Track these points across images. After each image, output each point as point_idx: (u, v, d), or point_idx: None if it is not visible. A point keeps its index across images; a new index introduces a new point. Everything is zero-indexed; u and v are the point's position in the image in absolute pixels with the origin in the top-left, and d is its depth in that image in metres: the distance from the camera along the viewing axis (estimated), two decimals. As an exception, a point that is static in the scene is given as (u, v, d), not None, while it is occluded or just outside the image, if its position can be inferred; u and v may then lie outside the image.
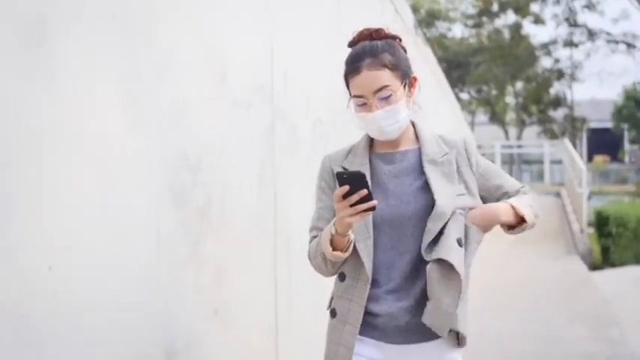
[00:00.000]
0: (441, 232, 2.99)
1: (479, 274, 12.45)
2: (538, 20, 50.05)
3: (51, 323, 2.47)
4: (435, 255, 2.96)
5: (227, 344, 3.82)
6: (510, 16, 51.14)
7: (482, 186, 3.20)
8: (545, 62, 52.20)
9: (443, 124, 17.36)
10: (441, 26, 53.81)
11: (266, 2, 4.43)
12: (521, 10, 49.42)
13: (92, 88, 2.69)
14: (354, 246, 3.05)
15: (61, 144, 2.50)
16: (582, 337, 9.68)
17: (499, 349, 9.16)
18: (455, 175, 3.13)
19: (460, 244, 3.00)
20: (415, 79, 3.16)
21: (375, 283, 3.07)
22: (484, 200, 3.19)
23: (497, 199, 3.23)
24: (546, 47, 51.01)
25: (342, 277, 3.14)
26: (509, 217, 3.11)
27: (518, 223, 3.13)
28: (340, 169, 3.12)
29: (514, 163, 48.96)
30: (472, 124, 50.49)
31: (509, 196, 3.23)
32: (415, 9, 48.28)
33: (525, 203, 3.17)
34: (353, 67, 3.06)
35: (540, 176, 43.06)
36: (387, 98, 3.02)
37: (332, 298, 3.20)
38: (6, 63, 2.25)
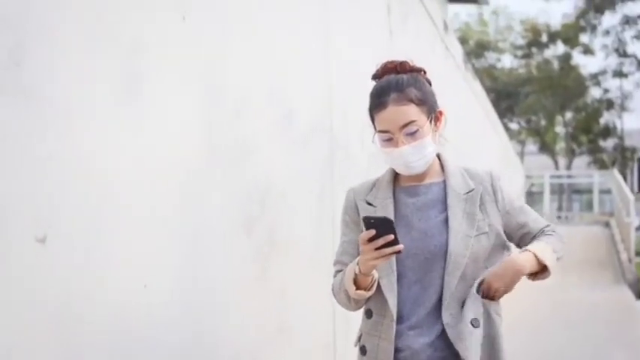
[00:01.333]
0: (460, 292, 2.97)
1: (530, 299, 12.82)
2: (587, 51, 49.99)
3: (145, 333, 2.87)
4: (450, 337, 2.94)
5: (293, 355, 4.19)
6: (560, 47, 51.18)
7: (507, 223, 3.12)
8: (595, 92, 52.04)
9: (490, 154, 17.62)
10: (490, 57, 53.98)
11: (326, 48, 4.83)
12: (571, 41, 49.41)
13: (180, 125, 3.10)
14: (378, 282, 3.00)
15: (151, 169, 2.91)
16: None
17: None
18: (476, 214, 3.05)
19: (475, 325, 2.97)
20: (441, 113, 3.10)
21: (400, 318, 3.01)
22: (508, 237, 3.13)
23: (520, 238, 3.17)
24: (596, 77, 50.85)
25: (369, 314, 3.11)
26: (532, 267, 3.03)
27: (541, 271, 3.06)
28: (364, 203, 3.14)
29: (564, 192, 48.82)
30: (522, 154, 50.47)
31: (532, 236, 3.16)
32: (464, 40, 48.56)
33: (547, 248, 3.08)
34: (378, 102, 3.00)
35: (590, 206, 42.97)
36: (413, 133, 2.96)
37: (360, 335, 3.16)
38: (105, 108, 2.66)
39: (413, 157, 2.98)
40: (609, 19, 74.62)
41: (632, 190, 48.58)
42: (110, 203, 2.64)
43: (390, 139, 2.97)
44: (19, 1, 2.22)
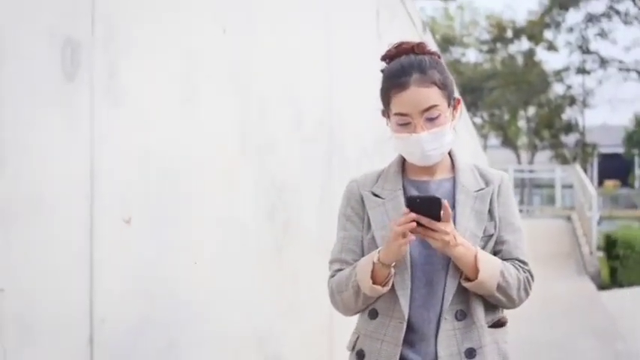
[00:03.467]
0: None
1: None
2: (551, 47, 50.46)
3: (198, 299, 3.33)
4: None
5: (298, 332, 4.65)
6: (524, 43, 51.66)
7: None
8: (558, 88, 52.69)
9: (464, 149, 18.14)
10: (456, 51, 54.41)
11: (327, 52, 5.30)
12: (535, 37, 49.82)
13: (221, 125, 3.56)
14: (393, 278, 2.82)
15: (201, 162, 3.37)
16: (590, 349, 10.55)
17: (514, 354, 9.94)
18: (485, 214, 2.86)
19: (469, 357, 2.81)
20: (459, 101, 2.93)
21: (408, 323, 2.82)
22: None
23: (491, 251, 2.86)
24: (559, 74, 51.31)
25: (373, 315, 2.89)
26: (465, 260, 2.75)
27: (473, 277, 2.77)
28: (371, 195, 2.94)
29: (525, 186, 49.42)
30: (484, 148, 51.03)
31: (502, 258, 2.85)
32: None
33: (497, 266, 2.79)
34: (398, 82, 2.79)
35: (551, 200, 43.52)
36: (434, 119, 2.78)
37: (357, 338, 2.97)
38: (170, 109, 3.12)
39: (431, 144, 2.79)
40: (573, 17, 75.19)
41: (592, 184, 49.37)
42: (175, 190, 3.10)
43: (406, 124, 2.80)
44: (109, 23, 2.68)
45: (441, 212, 2.65)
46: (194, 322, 3.32)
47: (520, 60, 51.80)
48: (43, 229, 2.33)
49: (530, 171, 48.50)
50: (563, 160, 48.87)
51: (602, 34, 48.50)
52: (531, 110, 53.44)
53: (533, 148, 52.80)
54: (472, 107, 51.33)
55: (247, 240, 3.85)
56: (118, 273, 2.72)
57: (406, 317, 2.80)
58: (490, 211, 2.89)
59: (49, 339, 2.37)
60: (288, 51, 4.49)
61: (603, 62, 49.57)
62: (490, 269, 2.77)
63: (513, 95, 50.08)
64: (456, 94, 2.95)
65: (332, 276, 3.00)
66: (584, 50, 49.62)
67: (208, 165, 3.41)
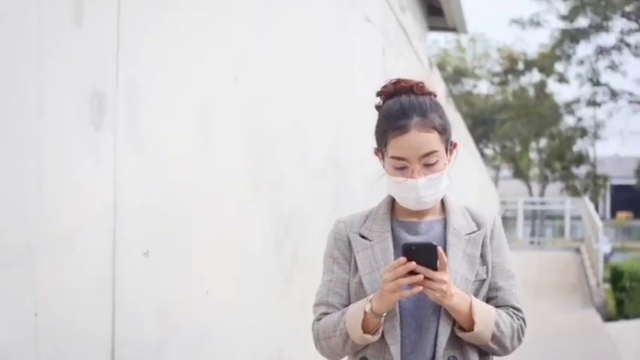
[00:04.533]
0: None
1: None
2: (562, 79, 50.51)
3: (211, 324, 3.60)
4: None
5: (306, 356, 4.91)
6: (535, 75, 51.81)
7: None
8: (569, 120, 52.63)
9: (472, 184, 18.39)
10: (467, 83, 54.64)
11: (337, 90, 5.59)
12: (546, 70, 49.94)
13: (235, 161, 3.84)
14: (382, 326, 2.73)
15: (214, 197, 3.64)
16: None
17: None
18: (477, 258, 2.79)
19: None
20: (455, 145, 2.84)
21: None
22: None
23: (484, 297, 2.80)
24: (570, 106, 51.35)
25: None
26: (461, 310, 2.67)
27: (467, 326, 2.71)
28: (358, 237, 2.84)
29: (537, 218, 49.47)
30: (496, 179, 51.15)
31: (496, 305, 2.79)
32: (442, 66, 49.24)
33: (491, 315, 2.73)
34: (398, 125, 2.69)
35: (562, 232, 43.71)
36: (432, 165, 2.70)
37: None
38: (188, 149, 3.41)
39: (427, 191, 2.72)
40: (584, 49, 75.60)
41: (604, 216, 49.45)
42: (190, 226, 3.38)
43: (403, 168, 2.71)
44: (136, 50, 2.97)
45: (437, 261, 2.57)
46: (208, 346, 3.58)
47: (531, 92, 51.85)
48: (72, 260, 2.61)
49: (542, 203, 48.56)
50: (574, 192, 48.82)
51: (613, 67, 48.57)
52: (542, 142, 53.49)
53: (544, 180, 52.79)
54: (483, 139, 51.49)
55: (257, 270, 4.12)
56: (138, 300, 2.99)
57: None
58: (482, 255, 2.81)
59: (76, 357, 2.64)
60: (298, 91, 4.78)
61: (614, 94, 49.59)
62: (485, 320, 2.69)
63: (524, 127, 50.08)
64: (453, 138, 2.84)
65: (317, 319, 2.89)
66: (595, 83, 49.66)
67: (221, 201, 3.69)
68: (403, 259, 2.57)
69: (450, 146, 2.81)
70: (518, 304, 2.83)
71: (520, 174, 54.25)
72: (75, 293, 2.63)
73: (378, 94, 2.87)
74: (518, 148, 54.03)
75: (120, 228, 2.85)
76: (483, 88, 56.15)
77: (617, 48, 47.95)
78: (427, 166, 2.71)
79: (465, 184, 16.84)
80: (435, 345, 2.72)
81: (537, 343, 13.71)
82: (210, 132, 3.58)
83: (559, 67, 50.41)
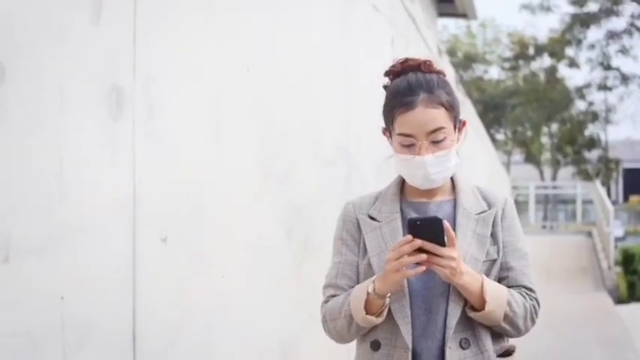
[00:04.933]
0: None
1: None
2: (573, 64, 50.64)
3: (225, 308, 3.74)
4: None
5: (317, 340, 5.05)
6: (546, 60, 51.92)
7: None
8: (580, 105, 52.76)
9: (482, 168, 18.48)
10: (478, 68, 54.74)
11: (345, 81, 5.72)
12: (557, 54, 50.09)
13: (245, 152, 3.98)
14: (389, 308, 2.70)
15: (227, 187, 3.78)
16: (602, 359, 10.90)
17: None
18: (487, 238, 2.74)
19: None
20: (464, 123, 2.82)
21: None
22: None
23: (496, 277, 2.76)
24: (581, 90, 51.51)
25: (375, 346, 2.75)
26: (472, 288, 2.63)
27: (479, 306, 2.66)
28: (367, 218, 2.82)
29: (549, 202, 49.49)
30: (508, 164, 51.16)
31: (508, 285, 2.75)
32: (453, 52, 49.32)
33: (503, 294, 2.69)
34: (404, 101, 2.66)
35: (574, 216, 43.78)
36: (440, 142, 2.67)
37: None
38: (202, 141, 3.54)
39: (435, 168, 2.68)
40: (594, 34, 75.42)
41: (616, 200, 49.40)
42: (205, 213, 3.52)
43: (411, 145, 2.68)
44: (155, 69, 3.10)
45: (445, 236, 2.53)
46: (223, 329, 3.72)
47: (542, 77, 51.93)
48: (95, 248, 2.75)
49: (554, 187, 48.61)
50: (586, 176, 48.82)
51: (624, 51, 48.63)
52: (554, 127, 53.48)
53: (556, 164, 52.82)
54: (495, 124, 51.54)
55: (269, 256, 4.25)
56: (156, 285, 3.13)
57: (410, 346, 2.66)
58: (493, 235, 2.76)
59: (99, 340, 2.78)
60: (308, 81, 4.91)
61: (625, 78, 49.65)
62: (497, 299, 2.64)
63: (535, 112, 50.18)
64: (462, 116, 2.82)
65: (325, 302, 2.89)
66: (606, 67, 49.74)
67: (234, 189, 3.82)
68: (408, 236, 2.54)
69: (458, 124, 2.78)
70: (531, 284, 2.78)
71: (532, 159, 54.30)
72: (98, 279, 2.77)
73: (386, 73, 2.84)
74: (529, 133, 54.11)
75: (139, 216, 2.99)
76: (494, 73, 56.25)
77: (627, 32, 48.01)
78: (435, 143, 2.67)
79: (474, 169, 16.95)
80: (444, 328, 2.67)
81: (549, 326, 13.86)
82: (223, 123, 3.71)
83: (570, 51, 50.55)
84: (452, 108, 2.72)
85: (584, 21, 47.93)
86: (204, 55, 3.54)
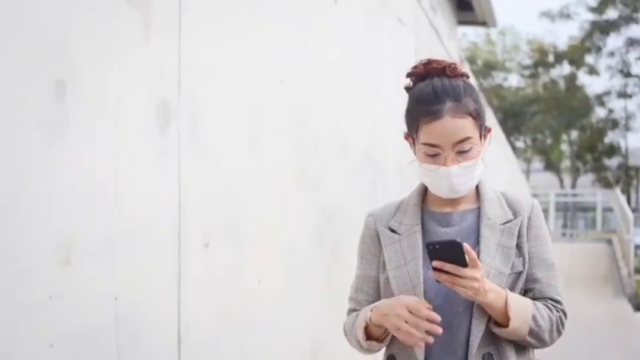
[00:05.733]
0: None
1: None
2: (592, 71, 50.54)
3: (261, 311, 3.93)
4: None
5: (346, 342, 5.24)
6: (565, 67, 51.88)
7: None
8: (600, 112, 52.62)
9: (502, 177, 18.60)
10: (498, 76, 54.75)
11: (373, 92, 5.91)
12: (576, 62, 50.04)
13: (281, 160, 4.17)
14: None
15: (262, 197, 3.97)
16: None
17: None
18: (512, 249, 2.63)
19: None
20: (489, 130, 2.70)
21: None
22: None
23: (521, 290, 2.66)
24: (600, 98, 51.39)
25: None
26: (496, 305, 2.54)
27: (503, 322, 2.57)
28: (387, 230, 2.74)
29: (569, 210, 49.50)
30: (528, 172, 51.13)
31: (534, 297, 2.66)
32: (472, 60, 49.38)
33: (528, 308, 2.59)
34: (430, 110, 2.55)
35: (594, 224, 43.80)
36: (466, 152, 2.57)
37: None
38: (241, 153, 3.74)
39: (461, 179, 2.59)
40: (614, 41, 75.55)
41: (637, 207, 49.29)
42: (243, 219, 3.72)
43: (436, 155, 2.58)
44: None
45: (466, 257, 2.44)
46: (259, 330, 3.91)
47: (562, 84, 51.93)
48: (145, 251, 2.94)
49: (574, 195, 48.61)
50: (606, 184, 48.75)
51: (644, 58, 48.65)
52: (574, 134, 53.45)
53: (576, 172, 52.75)
54: (514, 132, 51.51)
55: (301, 260, 4.44)
56: (199, 286, 3.32)
57: None
58: (518, 246, 2.65)
59: (148, 338, 2.97)
60: (337, 92, 5.10)
61: (644, 86, 49.67)
62: (522, 315, 2.56)
63: (555, 119, 50.10)
64: (488, 123, 2.71)
65: (348, 314, 2.90)
66: (626, 74, 49.67)
67: (269, 196, 4.01)
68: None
69: (484, 131, 2.66)
70: (558, 295, 2.68)
71: (552, 166, 54.21)
72: (147, 281, 2.97)
73: (409, 75, 2.71)
74: (549, 141, 53.98)
75: (184, 223, 3.18)
76: (514, 81, 56.23)
77: (647, 39, 47.93)
78: (461, 153, 2.57)
79: (496, 176, 17.11)
80: (467, 343, 2.59)
81: (569, 333, 14.01)
82: (260, 133, 3.90)
83: (589, 59, 50.46)
84: (479, 116, 2.60)
85: (604, 28, 47.96)
86: (242, 69, 3.74)
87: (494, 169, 17.45)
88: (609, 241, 28.79)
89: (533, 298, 2.65)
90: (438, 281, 2.48)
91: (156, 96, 3.02)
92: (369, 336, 2.67)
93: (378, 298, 2.75)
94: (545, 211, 40.82)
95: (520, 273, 2.65)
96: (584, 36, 49.29)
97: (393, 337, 2.64)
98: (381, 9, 6.29)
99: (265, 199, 3.97)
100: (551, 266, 2.71)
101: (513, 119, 50.54)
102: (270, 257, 4.03)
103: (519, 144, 54.06)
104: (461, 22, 24.50)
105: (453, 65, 2.65)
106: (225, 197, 3.56)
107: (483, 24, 26.02)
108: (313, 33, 4.71)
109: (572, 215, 49.69)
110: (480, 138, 2.64)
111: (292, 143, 4.33)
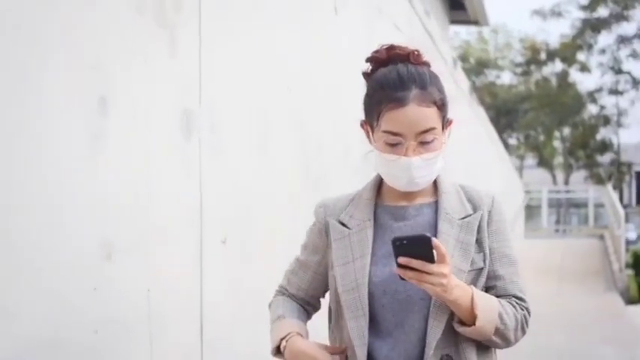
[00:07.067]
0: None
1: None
2: (584, 68, 51.08)
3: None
4: None
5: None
6: (557, 65, 52.36)
7: None
8: (592, 109, 53.10)
9: (497, 175, 18.92)
10: (490, 74, 55.10)
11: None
12: (568, 59, 50.51)
13: (289, 160, 4.49)
14: (347, 323, 2.50)
15: (271, 195, 4.28)
16: (609, 354, 11.58)
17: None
18: (472, 245, 2.49)
19: None
20: (451, 122, 2.56)
21: None
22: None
23: (483, 287, 2.50)
24: (592, 95, 51.87)
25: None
26: (462, 302, 2.38)
27: (468, 320, 2.41)
28: (337, 224, 2.62)
29: (562, 206, 49.79)
30: (521, 169, 51.49)
31: (496, 295, 2.50)
32: (465, 58, 49.68)
33: (494, 306, 2.43)
34: (396, 97, 2.40)
35: (586, 220, 44.13)
36: (428, 143, 2.42)
37: None
38: (250, 155, 4.06)
39: (421, 171, 2.44)
40: (605, 39, 75.99)
41: (629, 203, 49.68)
42: (255, 216, 4.04)
43: (397, 144, 2.43)
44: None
45: (434, 252, 2.29)
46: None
47: (554, 82, 52.32)
48: (171, 247, 3.26)
49: (566, 191, 48.92)
50: (599, 180, 49.15)
51: (634, 55, 48.98)
52: (566, 131, 53.78)
53: (568, 168, 53.10)
54: (507, 129, 51.87)
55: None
56: (218, 280, 3.64)
57: None
58: (478, 241, 2.51)
59: (175, 326, 3.29)
60: (338, 97, 5.41)
61: (636, 82, 50.01)
62: (488, 313, 2.41)
63: (548, 116, 50.55)
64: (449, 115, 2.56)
65: (278, 289, 2.94)
66: (617, 71, 50.09)
67: (278, 195, 4.33)
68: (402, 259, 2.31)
69: (446, 123, 2.52)
70: (521, 292, 2.54)
71: (544, 163, 54.59)
72: (173, 274, 3.28)
73: (368, 59, 2.58)
74: (541, 138, 54.38)
75: (205, 221, 3.50)
76: (506, 78, 56.59)
77: (638, 36, 48.37)
78: (423, 143, 2.42)
79: (490, 174, 17.42)
80: (421, 344, 2.45)
81: (562, 325, 14.35)
82: (269, 138, 4.22)
83: (581, 56, 51.00)
84: (443, 107, 2.47)
85: (595, 26, 48.38)
86: (253, 79, 4.06)
87: (491, 168, 17.78)
88: (601, 237, 29.06)
89: (496, 296, 2.50)
90: (403, 279, 2.32)
91: (180, 107, 3.33)
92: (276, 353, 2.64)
93: (312, 288, 2.77)
94: (538, 207, 41.15)
95: (481, 270, 2.49)
96: (575, 34, 49.72)
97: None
98: (378, 17, 6.62)
99: (274, 196, 4.28)
100: (514, 263, 2.56)
101: (506, 116, 50.93)
102: (277, 251, 4.33)
103: (512, 141, 54.42)
104: (453, 22, 24.75)
105: (416, 52, 2.51)
106: (239, 197, 3.88)
107: (475, 23, 26.29)
108: (315, 42, 5.03)
109: (566, 211, 49.99)
110: (443, 130, 2.49)
111: (297, 146, 4.65)
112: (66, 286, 2.64)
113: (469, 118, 13.23)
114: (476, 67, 52.99)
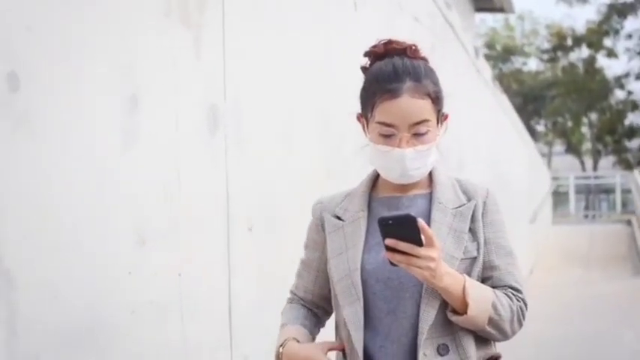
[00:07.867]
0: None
1: (555, 290, 14.32)
2: (611, 54, 50.75)
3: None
4: None
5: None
6: (584, 51, 52.08)
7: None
8: (619, 94, 52.95)
9: (521, 163, 19.03)
10: (517, 61, 54.98)
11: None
12: (595, 45, 50.25)
13: (310, 157, 4.70)
14: (342, 314, 2.54)
15: (295, 186, 4.50)
16: (633, 338, 11.74)
17: (563, 344, 11.02)
18: (465, 233, 2.49)
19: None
20: (447, 117, 2.59)
21: (370, 358, 2.50)
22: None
23: (479, 277, 2.51)
24: (619, 80, 51.61)
25: (343, 355, 2.61)
26: (453, 290, 2.37)
27: (460, 309, 2.41)
28: (333, 218, 2.67)
29: (590, 192, 49.66)
30: (549, 155, 51.40)
31: (492, 286, 2.49)
32: (491, 45, 49.70)
33: (487, 296, 2.43)
34: (389, 88, 2.46)
35: (615, 205, 44.07)
36: (422, 135, 2.45)
37: None
38: (276, 149, 4.28)
39: (414, 163, 2.46)
40: (632, 23, 75.58)
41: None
42: (280, 205, 4.26)
43: (390, 136, 2.47)
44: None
45: (421, 235, 2.29)
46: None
47: (581, 67, 52.08)
48: (200, 234, 3.49)
49: (595, 177, 48.81)
50: (627, 165, 48.85)
51: (662, 39, 48.79)
52: (594, 116, 53.56)
53: (596, 154, 52.89)
54: (535, 115, 51.77)
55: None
56: (245, 263, 3.86)
57: (361, 357, 2.49)
58: (472, 230, 2.52)
59: (205, 308, 3.52)
60: (358, 93, 5.60)
61: (663, 67, 49.77)
62: (481, 302, 2.39)
63: (575, 102, 50.33)
64: (445, 110, 2.61)
65: (289, 296, 2.99)
66: (644, 56, 49.87)
67: (302, 186, 4.54)
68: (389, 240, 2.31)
69: (441, 117, 2.57)
70: (517, 283, 2.52)
71: (572, 149, 54.36)
72: (203, 259, 3.51)
73: (367, 54, 2.66)
74: (569, 124, 54.17)
75: (232, 210, 3.72)
76: (533, 65, 56.43)
77: (665, 21, 48.05)
78: (416, 135, 2.46)
79: (514, 163, 17.55)
80: (413, 331, 2.46)
81: (585, 308, 14.50)
82: (292, 131, 4.44)
83: (607, 42, 50.62)
84: (437, 100, 2.51)
85: (621, 11, 48.15)
86: (276, 75, 4.27)
87: (515, 156, 17.90)
88: (629, 222, 29.17)
89: (492, 287, 2.49)
90: (393, 264, 2.33)
91: (206, 102, 3.55)
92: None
93: (318, 287, 2.80)
94: (566, 194, 41.15)
95: (474, 259, 2.50)
96: (601, 19, 49.46)
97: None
98: (398, 10, 6.80)
99: (298, 188, 4.49)
100: (510, 254, 2.56)
101: (533, 103, 50.78)
102: (302, 238, 4.56)
103: (540, 128, 54.29)
104: (479, 9, 24.85)
105: (414, 47, 2.58)
106: (265, 188, 4.10)
107: (501, 10, 26.36)
108: (335, 38, 5.23)
109: (594, 197, 49.86)
110: (437, 123, 2.54)
111: (319, 141, 4.86)
112: (103, 271, 2.86)
113: (492, 106, 13.37)
114: (502, 54, 52.92)
